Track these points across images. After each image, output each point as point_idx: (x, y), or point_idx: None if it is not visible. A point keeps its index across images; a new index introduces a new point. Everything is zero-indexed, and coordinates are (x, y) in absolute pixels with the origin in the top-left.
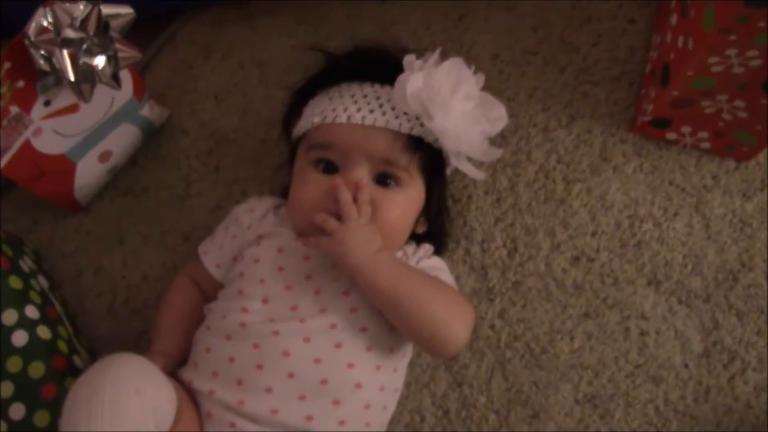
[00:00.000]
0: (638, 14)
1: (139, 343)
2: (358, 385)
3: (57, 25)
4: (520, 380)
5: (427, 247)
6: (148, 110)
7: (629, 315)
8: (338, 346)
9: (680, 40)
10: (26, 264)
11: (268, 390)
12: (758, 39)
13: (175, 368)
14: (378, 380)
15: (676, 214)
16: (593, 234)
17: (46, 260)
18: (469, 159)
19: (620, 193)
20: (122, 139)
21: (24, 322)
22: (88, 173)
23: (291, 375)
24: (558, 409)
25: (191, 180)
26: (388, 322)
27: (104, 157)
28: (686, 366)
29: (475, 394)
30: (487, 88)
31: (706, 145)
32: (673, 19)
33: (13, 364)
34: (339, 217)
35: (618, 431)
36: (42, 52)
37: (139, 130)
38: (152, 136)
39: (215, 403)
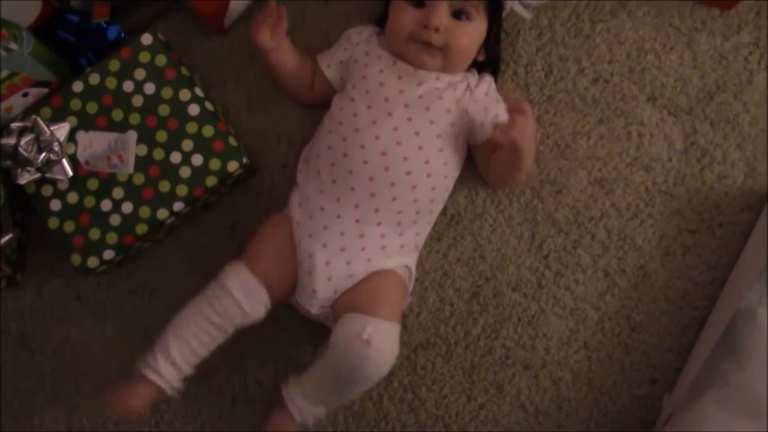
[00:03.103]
0: None
1: (267, 135)
2: (429, 175)
3: None
4: (549, 167)
5: (489, 80)
6: None
7: (632, 122)
8: (420, 148)
9: None
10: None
11: (371, 179)
12: None
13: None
14: (442, 172)
15: (672, 48)
16: (609, 62)
17: (197, 70)
18: (522, 4)
19: (632, 32)
20: None
21: (195, 99)
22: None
23: (386, 169)
24: (575, 188)
25: (306, 11)
26: (455, 136)
27: None
28: (670, 159)
29: None
30: None
31: None
32: None
33: (191, 127)
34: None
35: (617, 204)
36: None
37: None
38: None
39: (327, 196)
